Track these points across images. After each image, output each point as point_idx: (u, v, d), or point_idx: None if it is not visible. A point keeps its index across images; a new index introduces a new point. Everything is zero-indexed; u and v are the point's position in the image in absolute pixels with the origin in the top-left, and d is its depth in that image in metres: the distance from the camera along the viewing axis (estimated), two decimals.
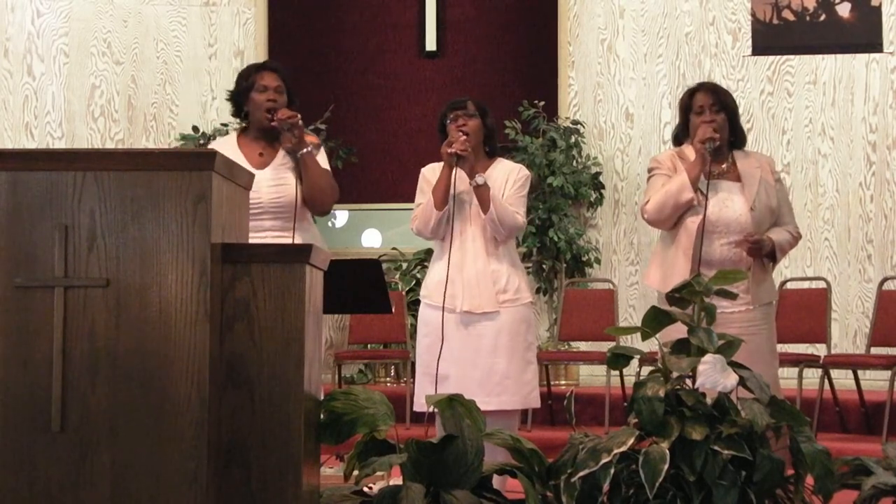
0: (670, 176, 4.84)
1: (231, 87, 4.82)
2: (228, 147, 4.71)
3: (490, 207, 4.86)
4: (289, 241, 4.54)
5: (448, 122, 5.00)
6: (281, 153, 4.65)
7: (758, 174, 4.85)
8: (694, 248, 4.72)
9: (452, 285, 4.89)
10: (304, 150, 4.60)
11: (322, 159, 4.73)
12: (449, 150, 4.87)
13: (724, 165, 4.88)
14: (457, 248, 4.93)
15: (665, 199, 4.79)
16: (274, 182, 4.59)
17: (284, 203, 4.59)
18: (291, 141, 4.59)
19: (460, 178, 4.94)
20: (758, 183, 4.83)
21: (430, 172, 5.03)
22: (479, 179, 4.88)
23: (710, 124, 4.80)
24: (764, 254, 4.78)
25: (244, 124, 4.80)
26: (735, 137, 4.93)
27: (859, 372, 7.28)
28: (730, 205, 4.79)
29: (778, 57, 8.91)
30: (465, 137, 4.88)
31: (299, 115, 4.62)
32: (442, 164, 4.94)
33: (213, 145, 4.99)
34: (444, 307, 4.88)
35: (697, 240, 4.71)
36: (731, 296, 3.84)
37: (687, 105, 4.91)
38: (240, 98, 4.74)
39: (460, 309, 4.88)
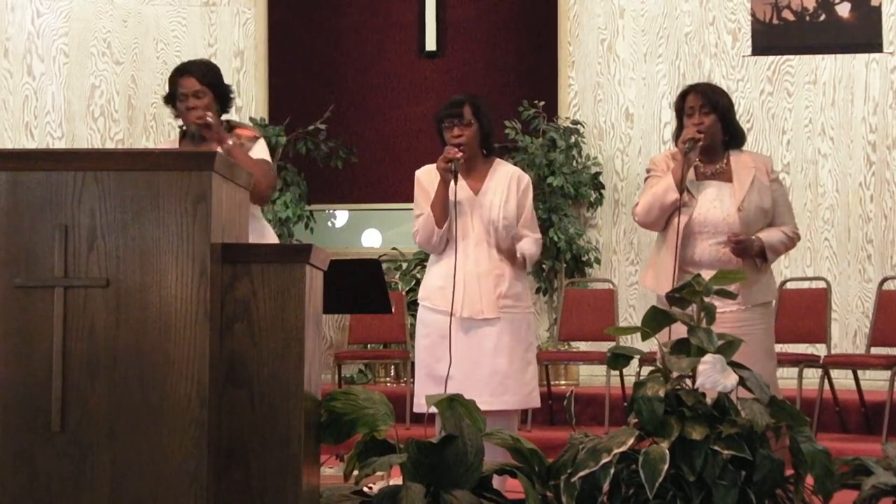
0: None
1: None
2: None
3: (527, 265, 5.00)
4: None
5: (443, 127, 4.97)
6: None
7: (751, 174, 4.84)
8: (678, 247, 4.72)
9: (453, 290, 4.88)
10: (227, 144, 4.68)
11: (258, 150, 4.81)
12: (443, 164, 4.83)
13: (717, 165, 4.88)
14: (459, 253, 4.91)
15: (652, 201, 4.81)
16: None
17: None
18: (212, 139, 4.68)
19: (459, 186, 4.91)
20: (749, 183, 4.82)
21: (425, 176, 4.99)
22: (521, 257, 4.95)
23: (696, 125, 4.80)
24: (752, 255, 4.77)
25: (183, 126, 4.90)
26: (730, 137, 4.92)
27: (859, 372, 7.28)
28: (718, 205, 4.79)
29: (778, 57, 8.91)
30: (461, 154, 4.85)
31: (209, 114, 4.70)
32: (434, 165, 4.92)
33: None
34: (451, 312, 4.85)
35: (680, 240, 4.71)
36: (731, 296, 3.84)
37: (680, 107, 4.92)
38: (172, 103, 4.86)
39: (460, 314, 4.87)
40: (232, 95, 4.87)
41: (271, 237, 4.97)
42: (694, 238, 4.76)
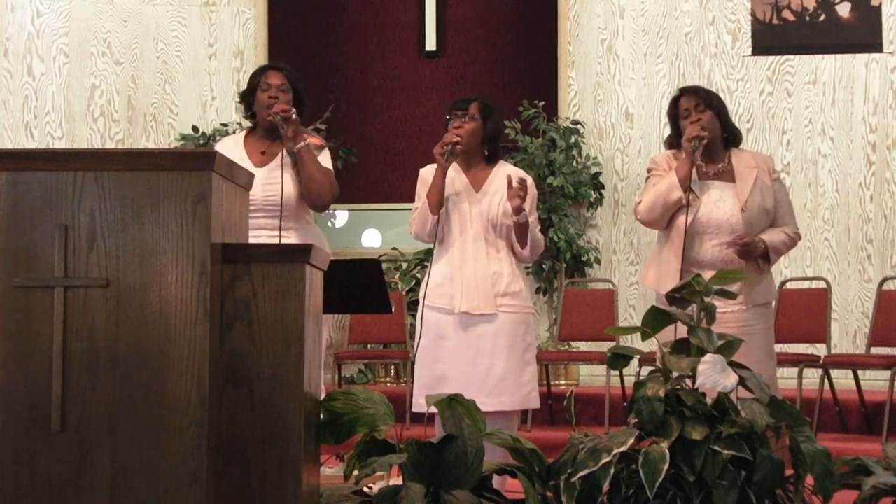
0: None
1: (233, 87, 4.91)
2: (234, 144, 4.89)
3: (528, 244, 4.87)
4: (283, 240, 4.62)
5: (448, 122, 4.99)
6: (282, 152, 4.71)
7: (753, 174, 4.84)
8: (684, 247, 4.72)
9: (451, 285, 4.89)
10: (300, 144, 4.71)
11: (325, 159, 4.84)
12: (440, 148, 4.86)
13: (719, 165, 4.88)
14: (457, 249, 4.92)
15: (655, 199, 4.80)
16: (269, 180, 4.71)
17: (277, 201, 4.65)
18: (287, 134, 4.69)
19: (458, 179, 4.93)
20: (752, 183, 4.82)
21: (428, 173, 5.01)
22: (521, 218, 4.84)
23: (697, 123, 4.80)
24: (756, 256, 4.77)
25: (252, 124, 4.96)
26: (729, 133, 4.92)
27: (859, 372, 7.28)
28: (721, 205, 4.79)
29: (778, 57, 8.91)
30: (458, 139, 4.86)
31: (294, 110, 4.75)
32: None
33: (221, 142, 5.19)
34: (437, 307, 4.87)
35: (685, 239, 4.71)
36: (731, 296, 3.84)
37: (674, 113, 4.92)
38: (249, 98, 4.92)
39: (458, 310, 4.87)
40: (306, 106, 4.92)
41: (326, 244, 4.92)
42: (697, 238, 4.76)
